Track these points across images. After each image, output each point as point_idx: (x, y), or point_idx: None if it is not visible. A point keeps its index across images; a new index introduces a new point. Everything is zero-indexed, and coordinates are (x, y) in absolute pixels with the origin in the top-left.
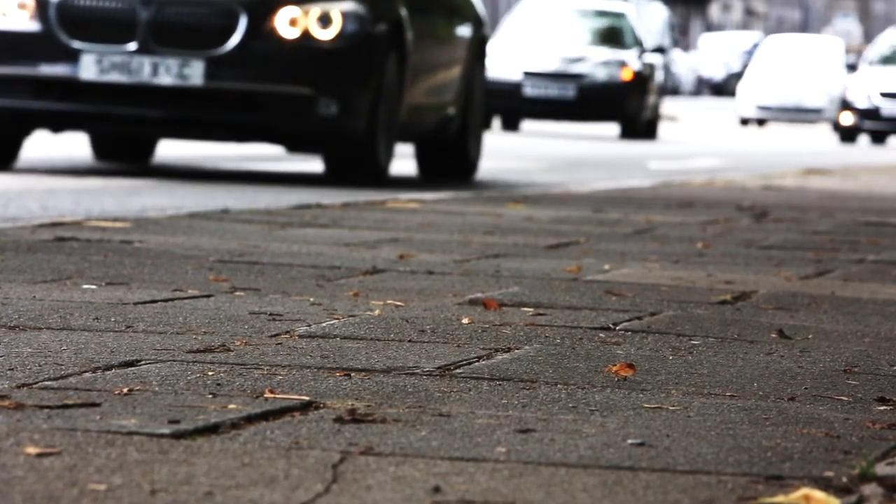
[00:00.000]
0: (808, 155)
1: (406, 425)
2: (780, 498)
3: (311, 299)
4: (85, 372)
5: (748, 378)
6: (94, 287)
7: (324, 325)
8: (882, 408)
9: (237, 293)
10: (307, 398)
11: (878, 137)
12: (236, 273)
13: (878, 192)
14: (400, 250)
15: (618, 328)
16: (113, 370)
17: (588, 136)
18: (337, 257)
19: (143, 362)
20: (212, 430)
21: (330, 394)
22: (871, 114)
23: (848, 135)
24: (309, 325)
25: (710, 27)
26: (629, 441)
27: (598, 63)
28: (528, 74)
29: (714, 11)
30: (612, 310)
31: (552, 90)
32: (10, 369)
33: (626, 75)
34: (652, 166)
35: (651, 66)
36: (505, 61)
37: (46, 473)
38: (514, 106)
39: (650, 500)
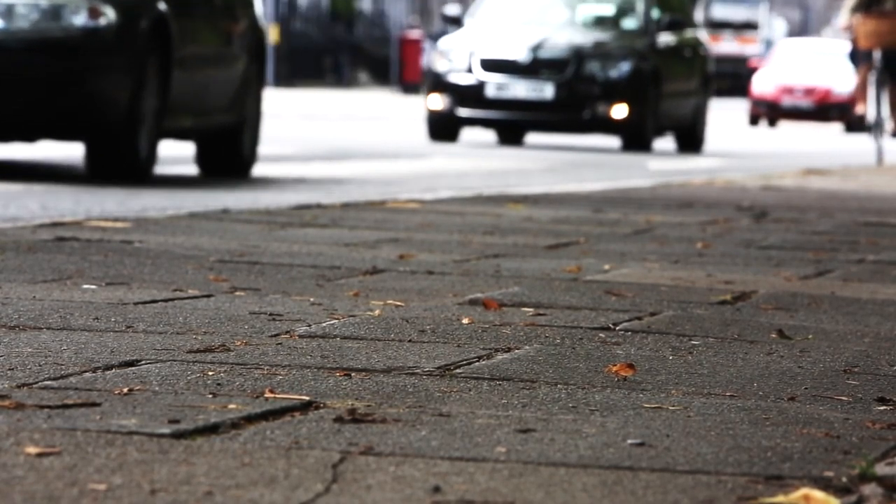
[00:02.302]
0: (809, 155)
1: (406, 425)
2: (780, 498)
3: (311, 299)
4: (85, 372)
5: (748, 378)
6: (94, 287)
7: (324, 325)
8: (882, 408)
9: (237, 293)
10: (307, 398)
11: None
12: (236, 273)
13: (878, 192)
14: (400, 250)
15: (618, 328)
16: (113, 370)
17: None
18: (337, 257)
19: (143, 362)
20: (212, 430)
21: (330, 394)
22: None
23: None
24: (309, 325)
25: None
26: (629, 441)
27: None
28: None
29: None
30: (612, 310)
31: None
32: (10, 369)
33: None
34: (652, 166)
35: None
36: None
37: (46, 473)
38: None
39: (650, 500)
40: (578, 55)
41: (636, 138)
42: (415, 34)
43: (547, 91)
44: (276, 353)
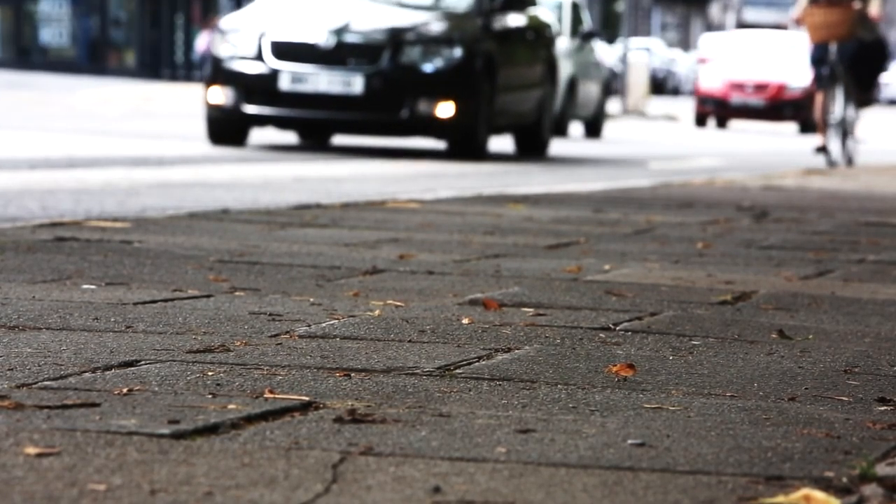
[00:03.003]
0: (809, 155)
1: (406, 425)
2: (780, 498)
3: (311, 299)
4: (85, 372)
5: (748, 378)
6: (93, 287)
7: (324, 325)
8: (882, 408)
9: (237, 293)
10: (307, 398)
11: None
12: (236, 273)
13: (878, 192)
14: (400, 250)
15: (618, 328)
16: (113, 370)
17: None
18: (337, 257)
19: (142, 362)
20: (212, 430)
21: (330, 394)
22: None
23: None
24: (309, 326)
25: (710, 27)
26: (629, 441)
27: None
28: None
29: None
30: (612, 310)
31: None
32: (9, 369)
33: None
34: (652, 166)
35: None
36: None
37: (46, 473)
38: None
39: (650, 501)
40: (395, 40)
41: (466, 141)
42: None
43: (355, 84)
44: (276, 354)
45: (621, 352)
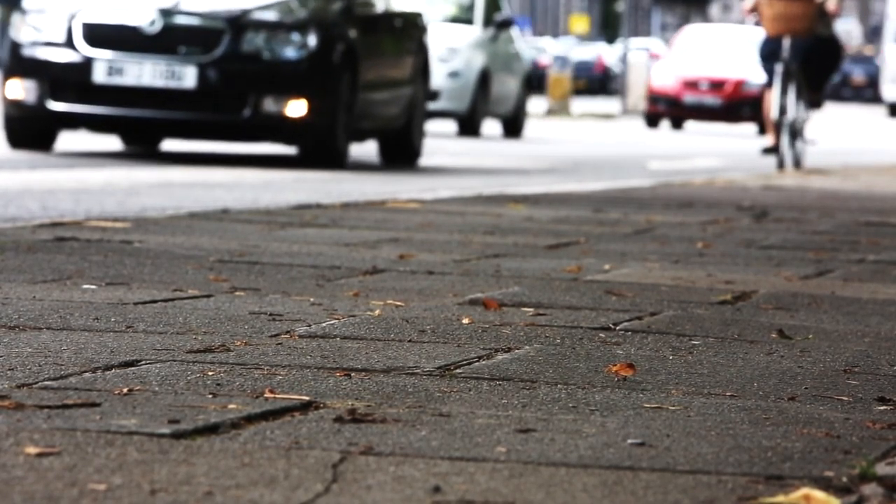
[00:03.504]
0: (808, 155)
1: (406, 425)
2: (780, 498)
3: (311, 299)
4: (85, 372)
5: (748, 378)
6: (94, 287)
7: (324, 325)
8: (882, 408)
9: (237, 293)
10: (307, 398)
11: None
12: (236, 273)
13: (878, 192)
14: (400, 250)
15: (618, 328)
16: (113, 370)
17: (588, 137)
18: (337, 257)
19: (143, 362)
20: (212, 430)
21: (330, 394)
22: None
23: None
24: (309, 325)
25: None
26: (629, 441)
27: None
28: None
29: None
30: (612, 310)
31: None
32: (10, 369)
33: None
34: (652, 166)
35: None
36: None
37: (46, 473)
38: None
39: (650, 500)
40: (236, 24)
41: (322, 147)
42: None
43: (187, 76)
44: (276, 353)
45: (621, 352)
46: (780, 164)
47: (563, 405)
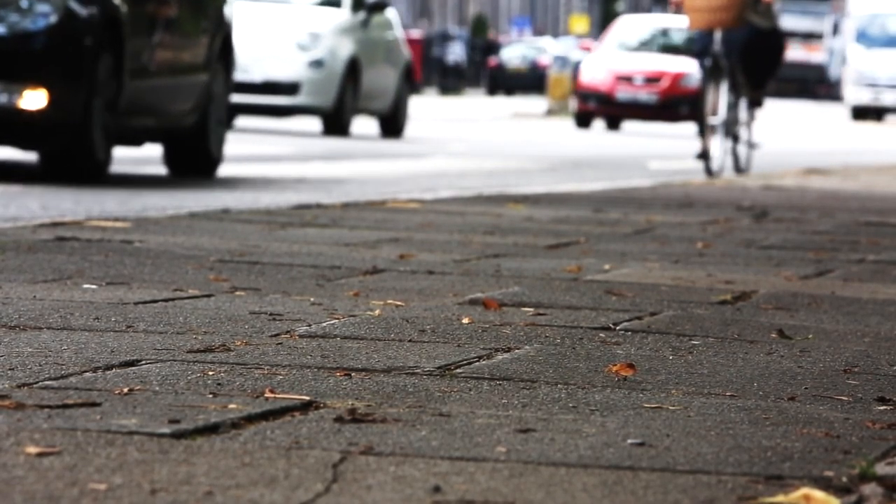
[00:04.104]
0: (809, 155)
1: (406, 425)
2: (780, 498)
3: (312, 299)
4: (85, 372)
5: (748, 378)
6: (94, 287)
7: (324, 324)
8: (882, 408)
9: (237, 293)
10: (307, 398)
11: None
12: (236, 273)
13: (878, 192)
14: (400, 250)
15: (618, 328)
16: (113, 370)
17: (588, 137)
18: (337, 257)
19: (143, 362)
20: (212, 429)
21: (330, 394)
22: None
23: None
24: (309, 325)
25: None
26: (629, 441)
27: None
28: None
29: None
30: (612, 310)
31: None
32: (10, 369)
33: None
34: (652, 166)
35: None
36: None
37: (47, 473)
38: None
39: (650, 500)
40: None
41: (71, 153)
42: (416, 34)
43: None
44: (277, 353)
45: (621, 351)
46: (708, 171)
47: (563, 405)
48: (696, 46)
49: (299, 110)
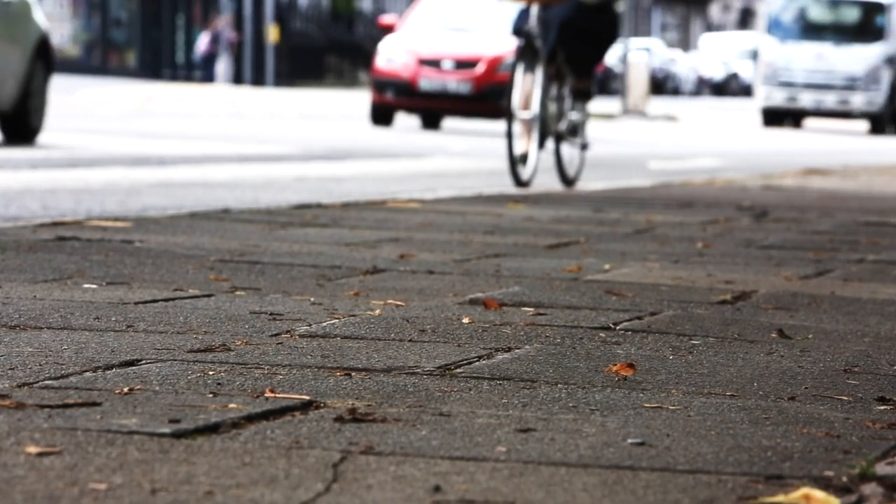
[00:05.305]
0: (809, 155)
1: (406, 425)
2: (780, 498)
3: (312, 299)
4: (85, 371)
5: (748, 378)
6: (94, 286)
7: (324, 324)
8: (882, 408)
9: (238, 293)
10: (307, 398)
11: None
12: (237, 273)
13: (878, 192)
14: (400, 250)
15: (618, 328)
16: (113, 370)
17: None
18: (337, 257)
19: (143, 362)
20: (212, 429)
21: (330, 393)
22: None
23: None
24: (309, 325)
25: (710, 27)
26: (629, 441)
27: None
28: None
29: (714, 11)
30: (612, 310)
31: None
32: (10, 369)
33: None
34: (652, 166)
35: None
36: None
37: (47, 473)
38: None
39: (650, 500)
40: None
41: None
42: None
43: None
44: (277, 353)
45: (621, 351)
46: (517, 180)
47: (563, 405)
48: (514, 25)
49: None
